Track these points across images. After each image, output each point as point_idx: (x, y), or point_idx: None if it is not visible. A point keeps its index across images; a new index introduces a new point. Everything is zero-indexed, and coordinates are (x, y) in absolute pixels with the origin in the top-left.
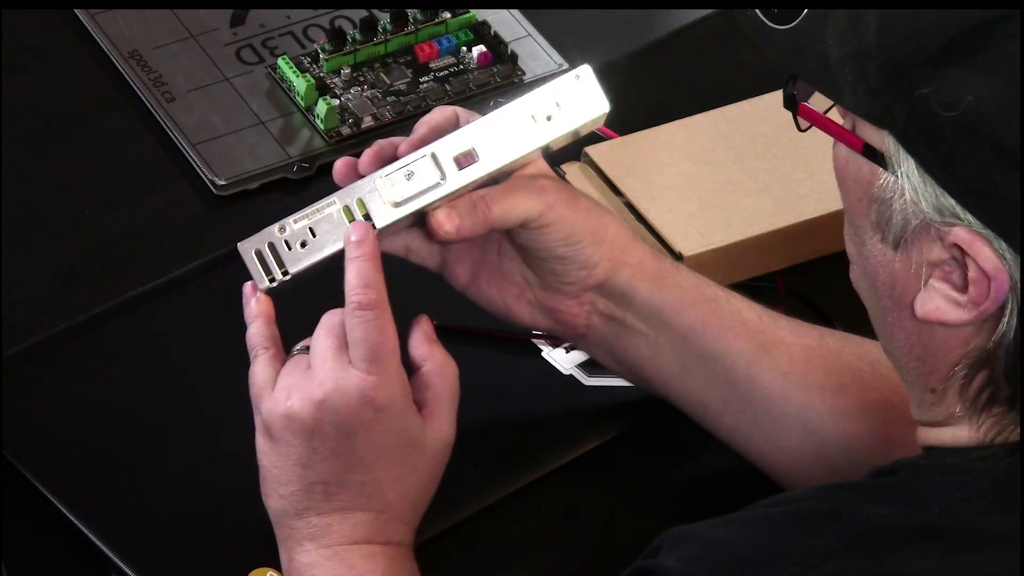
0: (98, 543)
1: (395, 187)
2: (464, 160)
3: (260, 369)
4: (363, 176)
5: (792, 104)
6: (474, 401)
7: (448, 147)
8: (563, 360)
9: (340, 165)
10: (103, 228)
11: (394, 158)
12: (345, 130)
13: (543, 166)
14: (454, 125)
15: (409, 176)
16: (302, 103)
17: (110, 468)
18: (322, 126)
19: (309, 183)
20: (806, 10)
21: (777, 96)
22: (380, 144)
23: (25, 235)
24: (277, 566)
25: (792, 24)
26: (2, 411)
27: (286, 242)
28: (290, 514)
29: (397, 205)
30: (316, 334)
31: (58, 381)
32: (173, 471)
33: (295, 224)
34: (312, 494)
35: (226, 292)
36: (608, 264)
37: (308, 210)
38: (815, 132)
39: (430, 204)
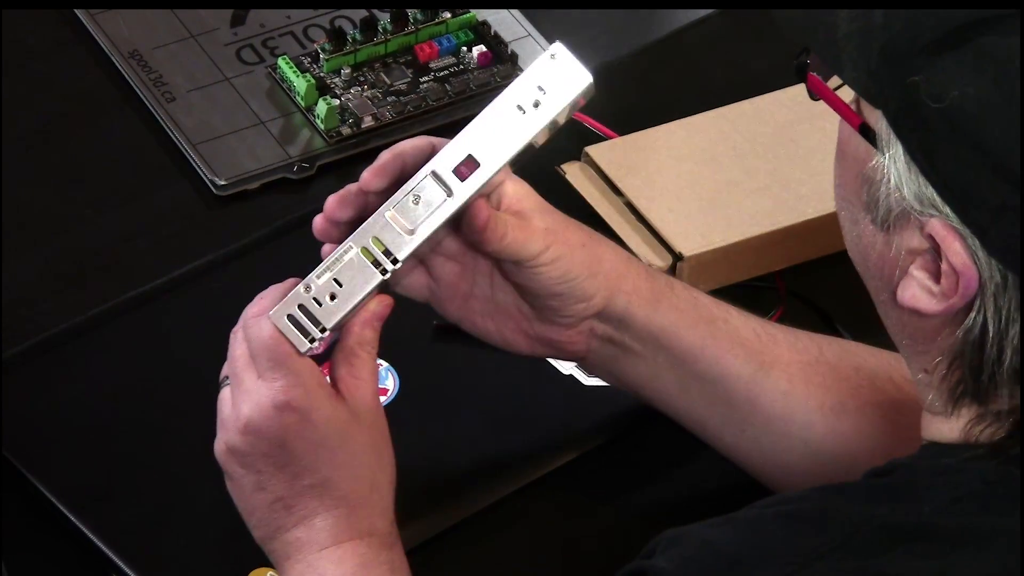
0: (98, 543)
1: (406, 215)
2: (466, 169)
3: (223, 399)
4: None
5: (802, 75)
6: (474, 401)
7: (446, 161)
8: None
9: (320, 221)
10: (103, 228)
11: (364, 201)
12: (345, 130)
13: (531, 201)
14: (427, 156)
15: (416, 200)
16: (302, 103)
17: (110, 468)
18: (322, 126)
19: (309, 183)
20: None
21: (777, 96)
22: (347, 189)
23: (25, 235)
24: None
25: None
26: (2, 411)
27: (315, 299)
28: (266, 540)
29: (412, 232)
30: (227, 361)
31: (58, 381)
32: (173, 471)
33: (319, 280)
34: (275, 513)
35: (226, 292)
36: (605, 294)
37: (328, 262)
38: (816, 132)
39: (444, 222)
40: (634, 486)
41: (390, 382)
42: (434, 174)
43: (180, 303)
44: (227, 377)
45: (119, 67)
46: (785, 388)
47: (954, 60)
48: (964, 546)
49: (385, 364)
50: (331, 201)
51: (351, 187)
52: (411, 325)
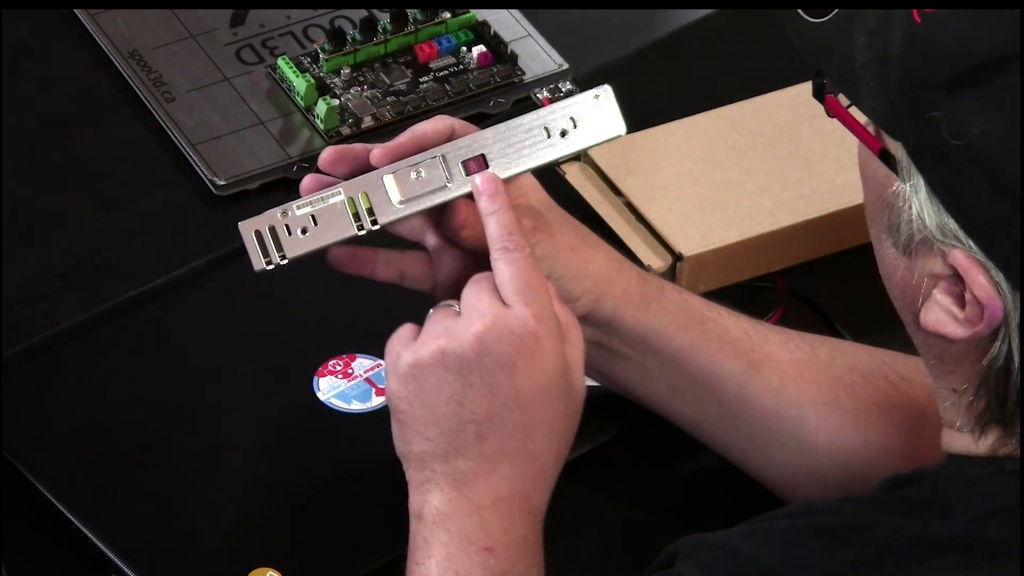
0: (98, 543)
1: (403, 185)
2: (473, 166)
3: (404, 329)
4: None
5: (820, 95)
6: None
7: (459, 151)
8: None
9: (314, 172)
10: (103, 228)
11: (365, 164)
12: (345, 130)
13: (534, 195)
14: (446, 137)
15: (417, 175)
16: (302, 103)
17: (110, 468)
18: (322, 126)
19: None
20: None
21: (777, 96)
22: (350, 149)
23: (25, 235)
24: (277, 566)
25: (826, 18)
26: (2, 411)
27: (287, 227)
28: (436, 456)
29: (402, 203)
30: (466, 288)
31: (58, 381)
32: (173, 471)
33: (298, 210)
34: (463, 434)
35: (226, 292)
36: (591, 297)
37: (313, 197)
38: (816, 132)
39: (434, 206)
40: (634, 486)
41: None
42: (443, 158)
43: (180, 303)
44: (445, 304)
45: (119, 67)
46: (776, 385)
47: (973, 97)
48: (1000, 559)
49: (384, 364)
50: (327, 154)
51: (354, 147)
52: None
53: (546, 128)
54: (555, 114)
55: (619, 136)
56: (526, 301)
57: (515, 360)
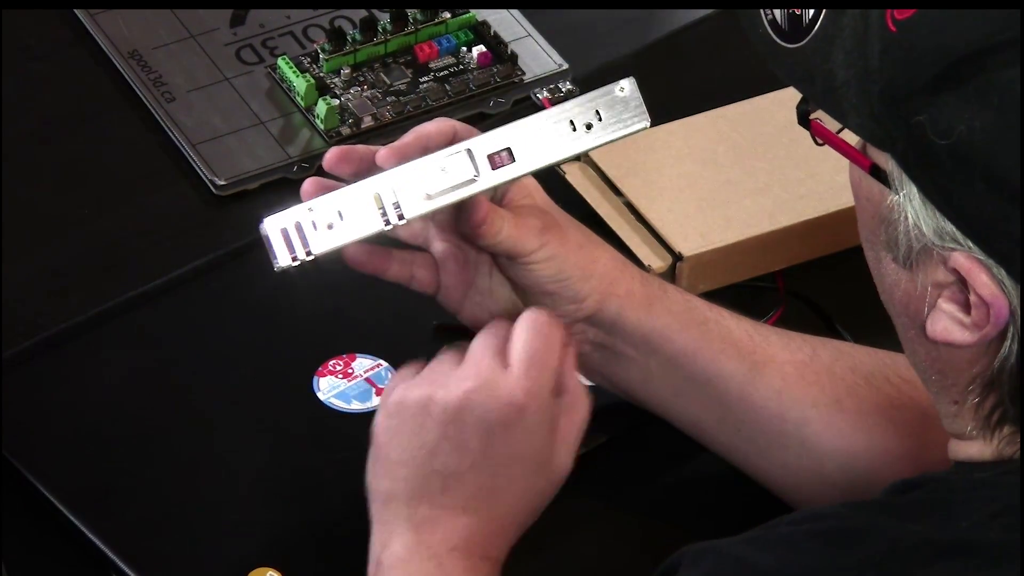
0: (98, 543)
1: (429, 179)
2: (499, 159)
3: (409, 366)
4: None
5: (805, 121)
6: None
7: (484, 145)
8: None
9: (318, 173)
10: (103, 228)
11: (370, 164)
12: (345, 130)
13: (537, 196)
14: (448, 139)
15: (443, 170)
16: (302, 103)
17: (110, 468)
18: (322, 126)
19: None
20: (815, 30)
21: (777, 96)
22: (354, 149)
23: (25, 235)
24: (277, 566)
25: (801, 44)
26: (2, 411)
27: (313, 222)
28: (400, 499)
29: (429, 198)
30: (479, 334)
31: (58, 381)
32: (173, 471)
33: (324, 206)
34: (429, 483)
35: (226, 292)
36: (597, 297)
37: (339, 193)
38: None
39: (460, 200)
40: (634, 486)
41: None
42: (469, 152)
43: (180, 303)
44: (458, 346)
45: (119, 67)
46: (779, 386)
47: (956, 95)
48: (1004, 561)
49: (385, 364)
50: (332, 154)
51: (358, 148)
52: (411, 325)
53: (572, 122)
54: (580, 107)
55: (644, 128)
56: (527, 373)
57: (493, 427)
